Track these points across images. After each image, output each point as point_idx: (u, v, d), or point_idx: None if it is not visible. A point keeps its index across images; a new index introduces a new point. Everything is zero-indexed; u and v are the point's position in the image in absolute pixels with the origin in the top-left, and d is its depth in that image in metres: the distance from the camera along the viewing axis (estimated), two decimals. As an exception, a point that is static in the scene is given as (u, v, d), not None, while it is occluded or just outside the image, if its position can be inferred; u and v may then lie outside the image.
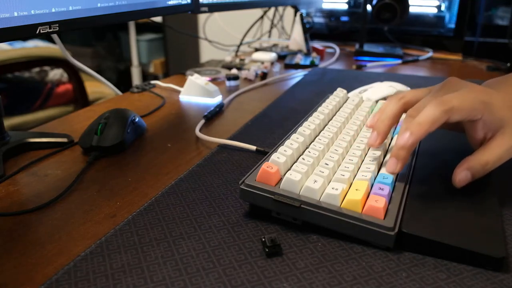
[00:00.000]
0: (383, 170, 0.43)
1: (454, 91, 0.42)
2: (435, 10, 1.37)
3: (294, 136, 0.47)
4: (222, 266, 0.34)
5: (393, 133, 0.51)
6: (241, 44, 1.22)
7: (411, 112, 0.42)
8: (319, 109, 0.57)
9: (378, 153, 0.45)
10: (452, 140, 0.51)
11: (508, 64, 1.09)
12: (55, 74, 1.78)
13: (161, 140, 0.60)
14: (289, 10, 1.40)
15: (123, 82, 2.83)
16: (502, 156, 0.40)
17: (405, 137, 0.40)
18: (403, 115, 0.45)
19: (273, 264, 0.34)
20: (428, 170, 0.45)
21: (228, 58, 1.12)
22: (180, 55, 2.81)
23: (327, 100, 0.60)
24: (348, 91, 0.72)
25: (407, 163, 0.43)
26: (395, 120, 0.45)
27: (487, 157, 0.40)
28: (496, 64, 1.12)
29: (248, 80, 0.94)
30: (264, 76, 0.96)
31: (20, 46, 1.73)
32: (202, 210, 0.42)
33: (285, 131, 0.62)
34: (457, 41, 1.32)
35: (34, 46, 1.74)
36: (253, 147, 0.55)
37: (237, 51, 1.22)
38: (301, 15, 1.20)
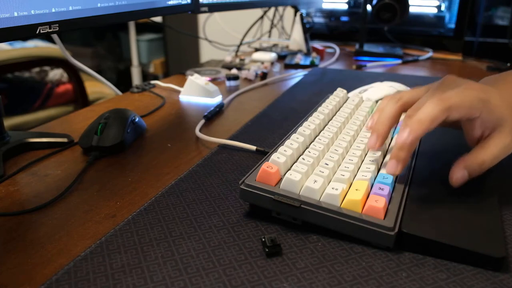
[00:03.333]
0: (383, 170, 0.43)
1: (452, 89, 0.41)
2: (435, 10, 1.37)
3: (294, 136, 0.47)
4: (222, 266, 0.34)
5: (393, 133, 0.51)
6: (241, 44, 1.22)
7: (410, 112, 0.42)
8: (319, 109, 0.57)
9: (378, 153, 0.45)
10: (452, 140, 0.51)
11: (508, 64, 1.09)
12: (55, 74, 1.78)
13: (161, 140, 0.60)
14: (289, 10, 1.40)
15: (123, 82, 2.83)
16: (498, 154, 0.40)
17: (404, 135, 0.40)
18: (402, 116, 0.45)
19: (273, 264, 0.34)
20: (428, 170, 0.45)
21: (228, 58, 1.12)
22: (180, 55, 2.80)
23: (327, 100, 0.60)
24: (348, 91, 0.72)
25: (407, 164, 0.43)
26: (394, 121, 0.45)
27: (484, 156, 0.40)
28: (496, 64, 1.12)
29: (248, 80, 0.94)
30: (264, 76, 0.96)
31: (20, 46, 1.73)
32: (202, 210, 0.42)
33: (285, 131, 0.62)
34: (457, 41, 1.32)
35: (34, 46, 1.74)
36: (253, 147, 0.55)
37: (237, 51, 1.22)
38: (301, 15, 1.20)
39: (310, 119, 0.53)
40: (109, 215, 0.42)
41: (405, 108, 0.44)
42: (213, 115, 0.69)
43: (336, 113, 0.58)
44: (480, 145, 0.41)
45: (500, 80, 0.46)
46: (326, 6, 1.49)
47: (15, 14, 0.44)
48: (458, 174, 0.41)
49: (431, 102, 0.40)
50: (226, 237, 0.37)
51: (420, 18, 1.38)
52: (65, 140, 0.58)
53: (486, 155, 0.40)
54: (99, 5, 0.55)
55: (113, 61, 2.95)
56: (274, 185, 0.40)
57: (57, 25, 0.49)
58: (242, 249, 0.36)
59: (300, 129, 0.49)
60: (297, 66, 1.09)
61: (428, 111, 0.39)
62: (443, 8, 1.36)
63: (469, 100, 0.40)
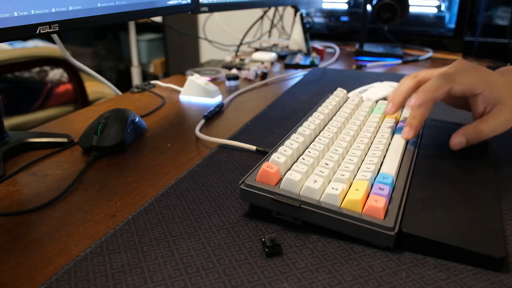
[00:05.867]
0: (383, 170, 0.43)
1: (461, 69, 0.48)
2: (435, 10, 1.37)
3: (294, 136, 0.47)
4: (222, 266, 0.34)
5: (394, 132, 0.51)
6: (241, 44, 1.22)
7: (422, 87, 0.47)
8: (319, 109, 0.57)
9: (378, 153, 0.45)
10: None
11: (508, 64, 1.09)
12: (55, 74, 1.78)
13: (161, 140, 0.60)
14: (289, 10, 1.40)
15: (123, 82, 2.83)
16: (496, 127, 0.46)
17: (412, 100, 0.46)
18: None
19: (273, 264, 0.34)
20: (428, 170, 0.45)
21: (228, 58, 1.12)
22: (180, 55, 2.80)
23: (327, 100, 0.60)
24: (348, 91, 0.72)
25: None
26: (409, 94, 0.51)
27: (482, 126, 0.46)
28: (496, 64, 1.12)
29: (248, 80, 0.94)
30: (264, 76, 0.96)
31: (20, 46, 1.73)
32: (202, 210, 0.42)
33: (285, 131, 0.62)
34: (457, 41, 1.32)
35: (34, 46, 1.74)
36: (253, 147, 0.55)
37: (237, 51, 1.21)
38: (301, 15, 1.20)
39: (310, 119, 0.53)
40: (109, 215, 0.42)
41: (419, 84, 0.49)
42: (213, 115, 0.69)
43: (336, 113, 0.58)
44: (481, 118, 0.47)
45: (509, 71, 0.51)
46: (326, 6, 1.49)
47: (15, 14, 0.44)
48: (457, 139, 0.47)
49: (437, 76, 0.46)
50: (226, 237, 0.37)
51: (420, 18, 1.38)
52: (65, 140, 0.58)
53: (484, 126, 0.46)
54: (99, 5, 0.55)
55: (113, 61, 2.95)
56: (274, 185, 0.40)
57: (57, 25, 0.49)
58: (242, 249, 0.36)
59: (300, 129, 0.49)
60: (297, 66, 1.09)
61: (434, 81, 0.46)
62: (443, 8, 1.36)
63: (471, 77, 0.46)
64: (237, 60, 1.10)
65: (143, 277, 0.33)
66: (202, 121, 0.66)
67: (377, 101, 0.63)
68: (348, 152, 0.46)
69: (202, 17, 2.49)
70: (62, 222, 0.40)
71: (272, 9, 1.44)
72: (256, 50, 1.26)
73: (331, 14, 1.49)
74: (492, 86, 0.46)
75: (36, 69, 1.74)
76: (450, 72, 0.47)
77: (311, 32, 1.38)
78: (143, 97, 0.81)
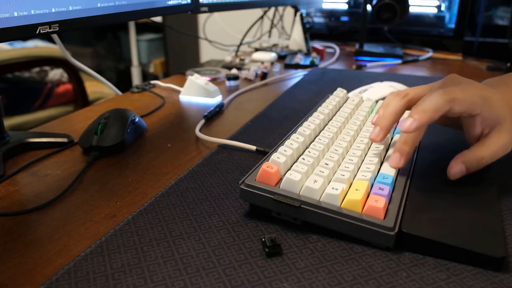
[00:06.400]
0: (383, 170, 0.43)
1: (455, 86, 0.43)
2: (435, 10, 1.37)
3: (294, 136, 0.47)
4: (222, 266, 0.34)
5: (393, 132, 0.51)
6: (241, 44, 1.22)
7: (419, 107, 0.41)
8: (319, 109, 0.57)
9: (378, 153, 0.45)
10: (452, 141, 0.51)
11: (508, 64, 1.09)
12: (55, 74, 1.78)
13: (161, 140, 0.60)
14: (289, 10, 1.40)
15: (123, 82, 2.82)
16: (497, 152, 0.41)
17: (407, 123, 0.40)
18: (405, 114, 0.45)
19: (273, 264, 0.34)
20: (428, 170, 0.45)
21: (228, 58, 1.12)
22: (180, 55, 2.80)
23: (327, 100, 0.60)
24: (348, 91, 0.72)
25: (409, 159, 0.43)
26: (398, 117, 0.45)
27: (483, 152, 0.42)
28: (496, 64, 1.12)
29: (248, 80, 0.94)
30: (264, 76, 0.96)
31: (20, 46, 1.73)
32: (202, 210, 0.42)
33: (285, 131, 0.62)
34: (457, 41, 1.32)
35: (34, 46, 1.74)
36: (253, 147, 0.55)
37: (237, 51, 1.21)
38: (301, 15, 1.20)
39: (310, 119, 0.53)
40: (109, 215, 0.42)
41: (410, 104, 0.44)
42: (213, 115, 0.69)
43: (336, 113, 0.58)
44: (480, 142, 0.43)
45: (501, 82, 0.47)
46: (326, 6, 1.49)
47: (15, 14, 0.44)
48: (456, 168, 0.42)
49: (435, 93, 0.41)
50: (226, 237, 0.37)
51: (420, 18, 1.38)
52: (65, 140, 0.58)
53: (485, 151, 0.42)
54: (99, 5, 0.55)
55: (113, 61, 2.95)
56: (274, 185, 0.40)
57: (57, 25, 0.49)
58: (242, 249, 0.36)
59: (300, 129, 0.49)
60: (297, 66, 1.09)
61: (432, 101, 0.40)
62: (443, 8, 1.36)
63: (471, 96, 0.41)
64: (237, 60, 1.10)
65: (143, 277, 0.33)
66: (202, 121, 0.66)
67: (377, 101, 0.63)
68: (348, 152, 0.46)
69: (202, 17, 2.49)
70: (62, 222, 0.40)
71: (272, 9, 1.44)
72: (256, 50, 1.26)
73: (331, 14, 1.49)
74: (490, 105, 0.41)
75: (36, 69, 1.74)
76: (448, 90, 0.41)
77: (311, 32, 1.38)
78: (143, 97, 0.81)
